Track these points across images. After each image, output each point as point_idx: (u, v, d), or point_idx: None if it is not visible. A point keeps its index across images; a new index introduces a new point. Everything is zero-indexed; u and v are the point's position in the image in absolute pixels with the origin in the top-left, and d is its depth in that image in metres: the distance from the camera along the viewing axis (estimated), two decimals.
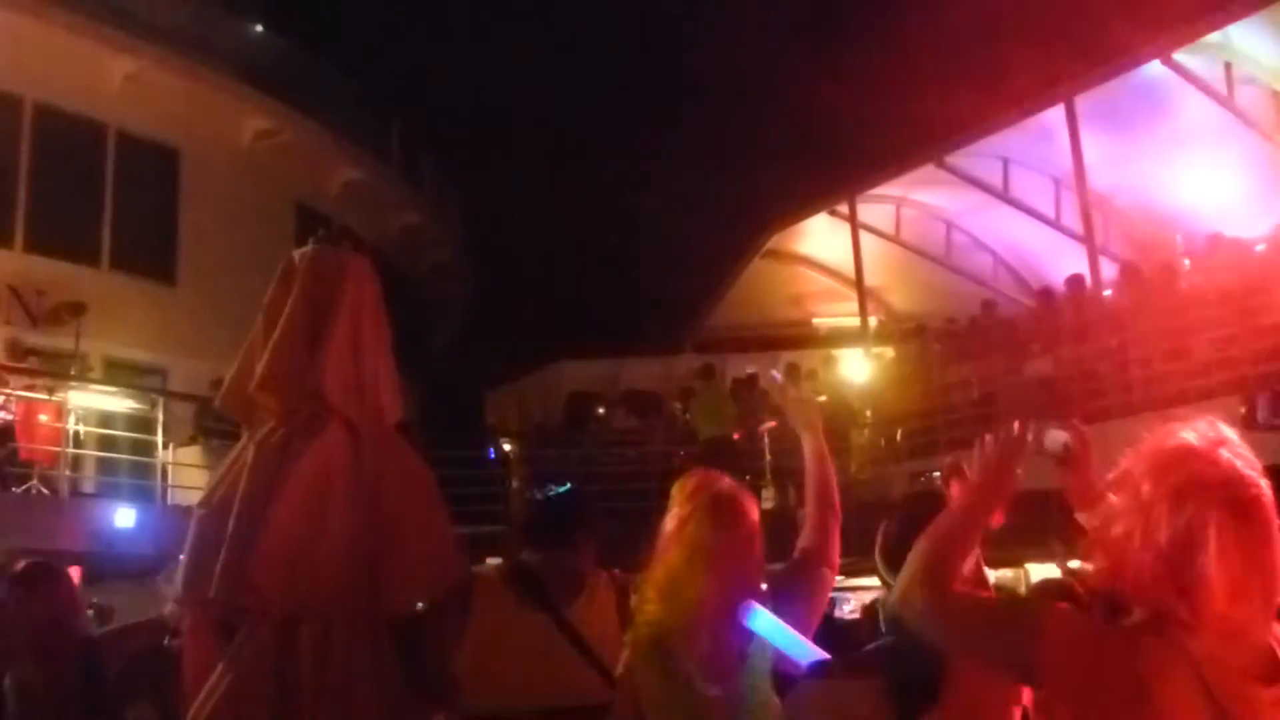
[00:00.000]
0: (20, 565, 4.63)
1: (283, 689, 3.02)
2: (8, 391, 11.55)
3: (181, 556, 3.04)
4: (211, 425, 12.65)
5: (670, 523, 2.70)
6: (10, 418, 11.36)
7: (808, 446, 3.04)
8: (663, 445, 16.03)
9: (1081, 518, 2.15)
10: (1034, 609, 2.12)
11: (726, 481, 2.75)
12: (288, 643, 3.02)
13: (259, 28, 19.11)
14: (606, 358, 20.86)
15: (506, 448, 17.75)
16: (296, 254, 3.34)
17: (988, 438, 2.13)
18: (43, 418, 11.74)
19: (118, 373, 14.73)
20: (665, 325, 22.66)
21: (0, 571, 5.29)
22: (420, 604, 3.40)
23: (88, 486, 13.35)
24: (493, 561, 3.37)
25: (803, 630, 2.61)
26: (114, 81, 15.64)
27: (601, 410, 18.40)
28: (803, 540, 2.95)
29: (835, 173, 17.93)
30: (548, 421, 19.08)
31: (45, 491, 11.54)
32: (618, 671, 2.83)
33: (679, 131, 33.51)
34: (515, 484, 16.13)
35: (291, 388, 3.06)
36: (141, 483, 12.78)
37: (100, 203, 15.61)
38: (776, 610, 2.60)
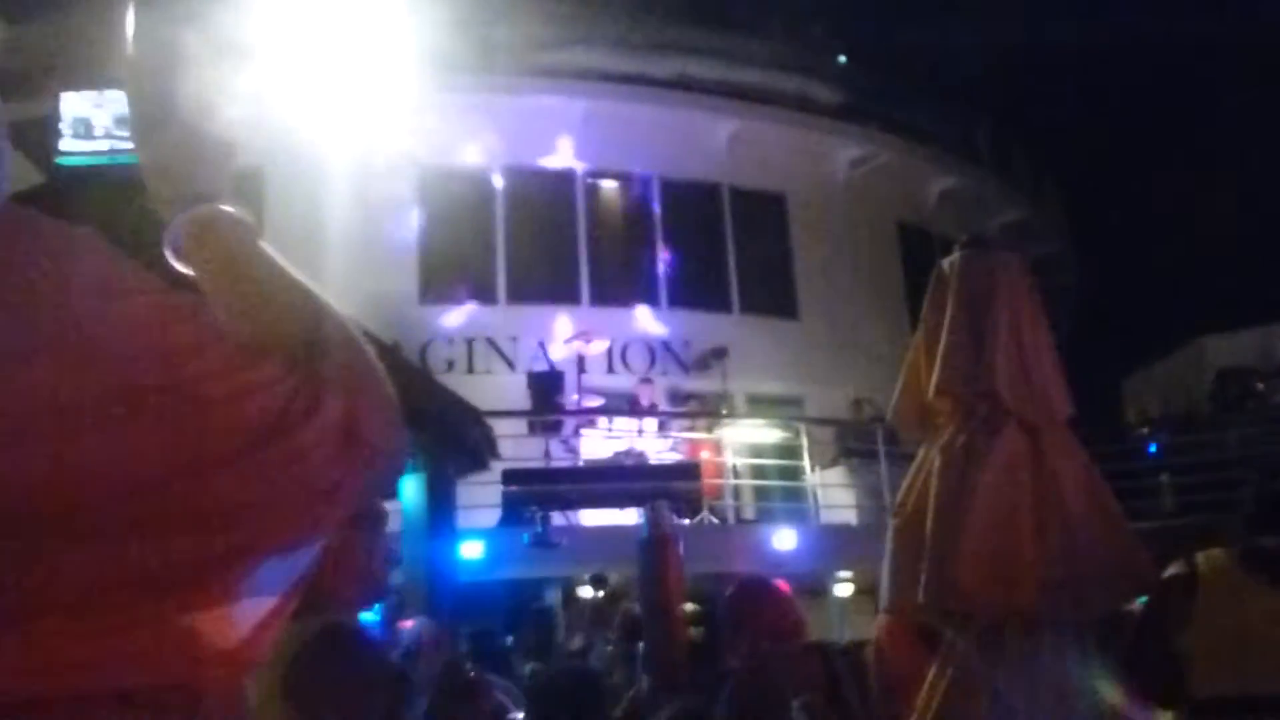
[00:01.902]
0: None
1: (994, 691, 3.02)
2: (675, 434, 12.93)
3: (885, 568, 3.15)
4: (853, 446, 13.17)
5: None
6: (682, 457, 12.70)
7: None
8: None
9: None
10: None
11: None
12: (995, 645, 3.02)
13: (842, 59, 19.82)
14: (1256, 326, 18.63)
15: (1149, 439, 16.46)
16: (945, 262, 3.37)
17: None
18: (704, 454, 12.99)
19: (760, 407, 15.90)
20: None
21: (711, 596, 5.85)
22: (1123, 605, 3.25)
23: (748, 513, 14.52)
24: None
25: None
26: (721, 142, 17.09)
27: (1261, 386, 16.40)
28: None
29: None
30: (1193, 406, 17.44)
31: (715, 520, 12.73)
32: None
33: None
34: (1165, 477, 14.89)
35: (965, 391, 3.07)
36: (794, 505, 13.62)
37: (724, 254, 17.04)
38: None
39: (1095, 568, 3.08)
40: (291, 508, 0.98)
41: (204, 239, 1.09)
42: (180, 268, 1.10)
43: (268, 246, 1.11)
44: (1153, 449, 15.59)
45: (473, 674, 2.93)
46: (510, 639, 9.22)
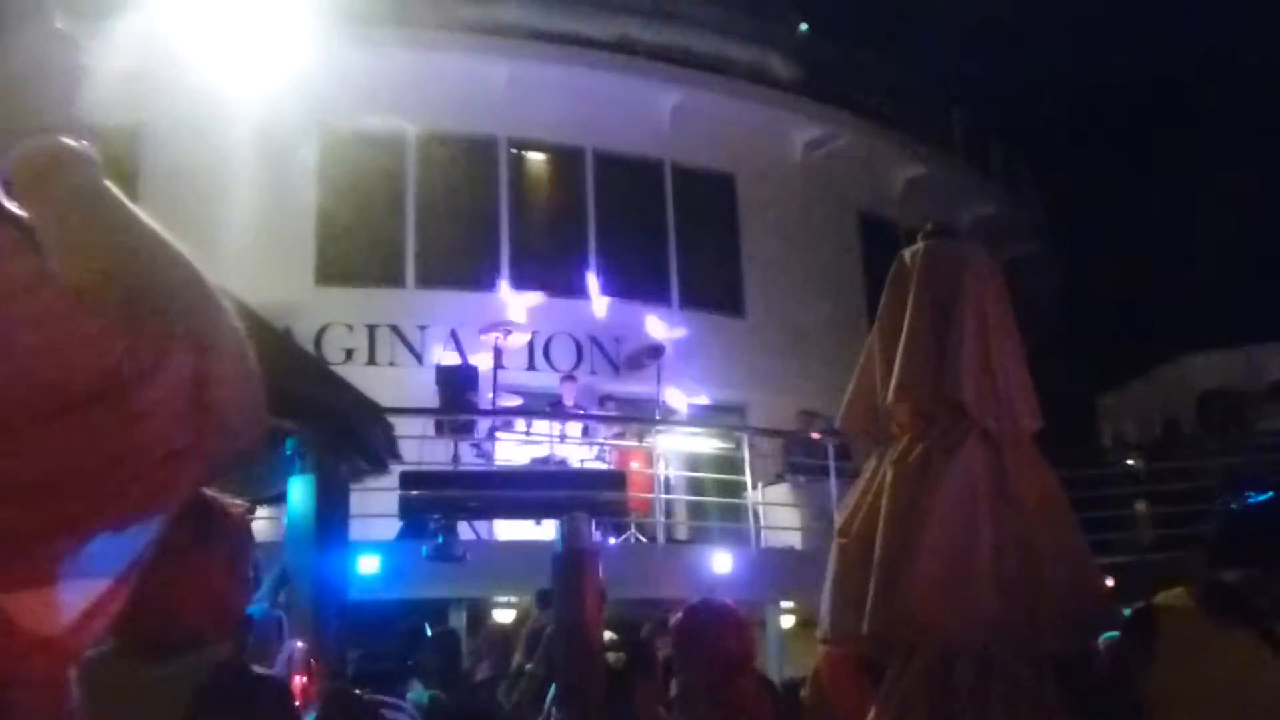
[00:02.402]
0: None
1: None
2: (602, 441, 12.96)
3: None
4: (799, 461, 13.29)
5: None
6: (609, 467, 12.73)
7: None
8: None
9: None
10: None
11: None
12: (944, 680, 3.08)
13: (803, 27, 19.98)
14: (1242, 346, 19.15)
15: (1130, 462, 16.86)
16: (906, 253, 3.42)
17: None
18: (634, 465, 13.03)
19: (698, 414, 15.99)
20: None
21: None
22: (1083, 642, 3.33)
23: (680, 532, 14.60)
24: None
25: None
26: (664, 114, 17.15)
27: (1247, 412, 16.86)
28: None
29: None
30: (1173, 428, 17.88)
31: (642, 539, 12.79)
32: None
33: None
34: (1140, 506, 15.25)
35: (925, 397, 3.12)
36: (733, 525, 13.72)
37: (664, 240, 17.10)
38: None
39: (1056, 601, 3.15)
40: (126, 477, 0.96)
41: (44, 174, 1.08)
42: (6, 203, 1.09)
43: (114, 188, 1.10)
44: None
45: (363, 697, 2.92)
46: (410, 663, 9.18)
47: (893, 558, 3.00)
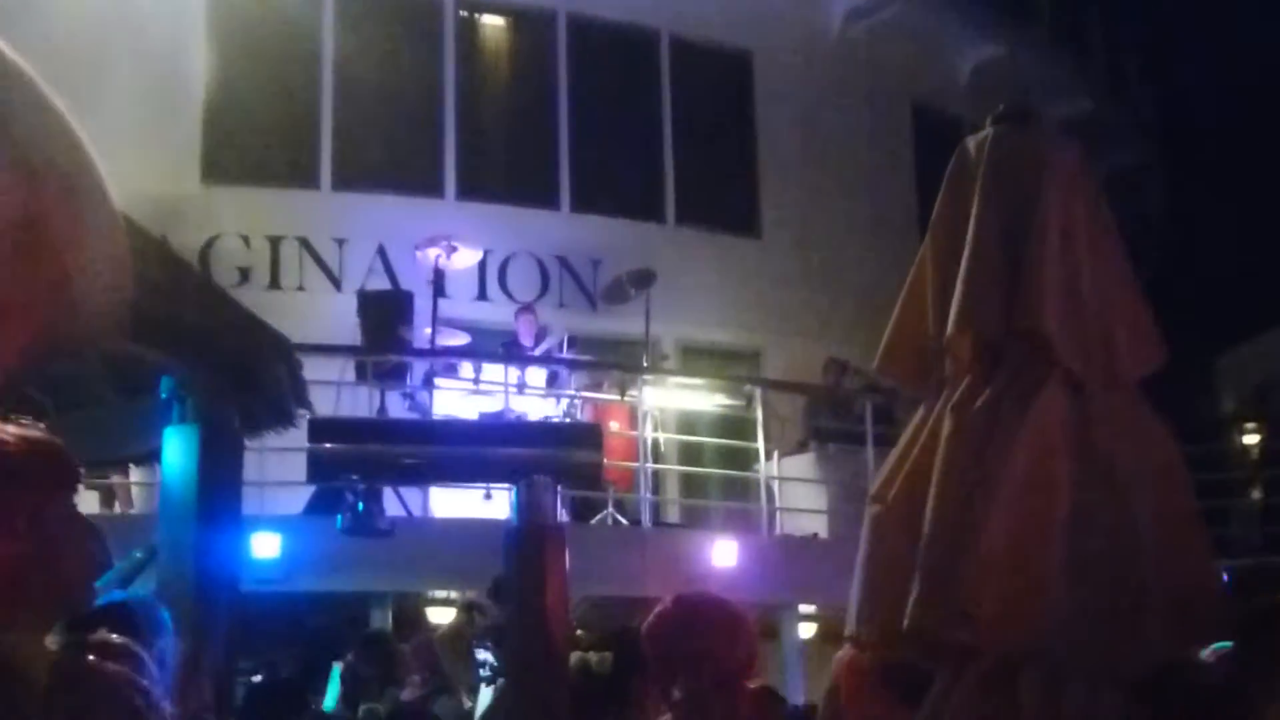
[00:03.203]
0: None
1: None
2: (572, 393, 12.95)
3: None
4: (828, 425, 13.30)
5: None
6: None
7: None
8: None
9: None
10: None
11: None
12: (1005, 695, 3.10)
13: None
14: None
15: (1247, 441, 17.00)
16: (971, 141, 3.41)
17: None
18: (613, 425, 13.03)
19: (698, 361, 16.02)
20: None
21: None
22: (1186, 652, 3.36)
23: (671, 513, 14.63)
24: None
25: None
26: None
27: None
28: None
29: None
30: None
31: (622, 520, 12.82)
32: None
33: None
34: (1257, 494, 15.39)
35: (993, 327, 3.12)
36: (739, 505, 13.75)
37: (658, 136, 17.04)
38: None
39: (1154, 597, 3.15)
40: None
41: None
42: None
43: None
44: None
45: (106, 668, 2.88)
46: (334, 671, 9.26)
47: (945, 534, 3.00)
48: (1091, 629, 3.09)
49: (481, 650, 8.47)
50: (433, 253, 13.37)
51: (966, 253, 3.17)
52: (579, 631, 5.52)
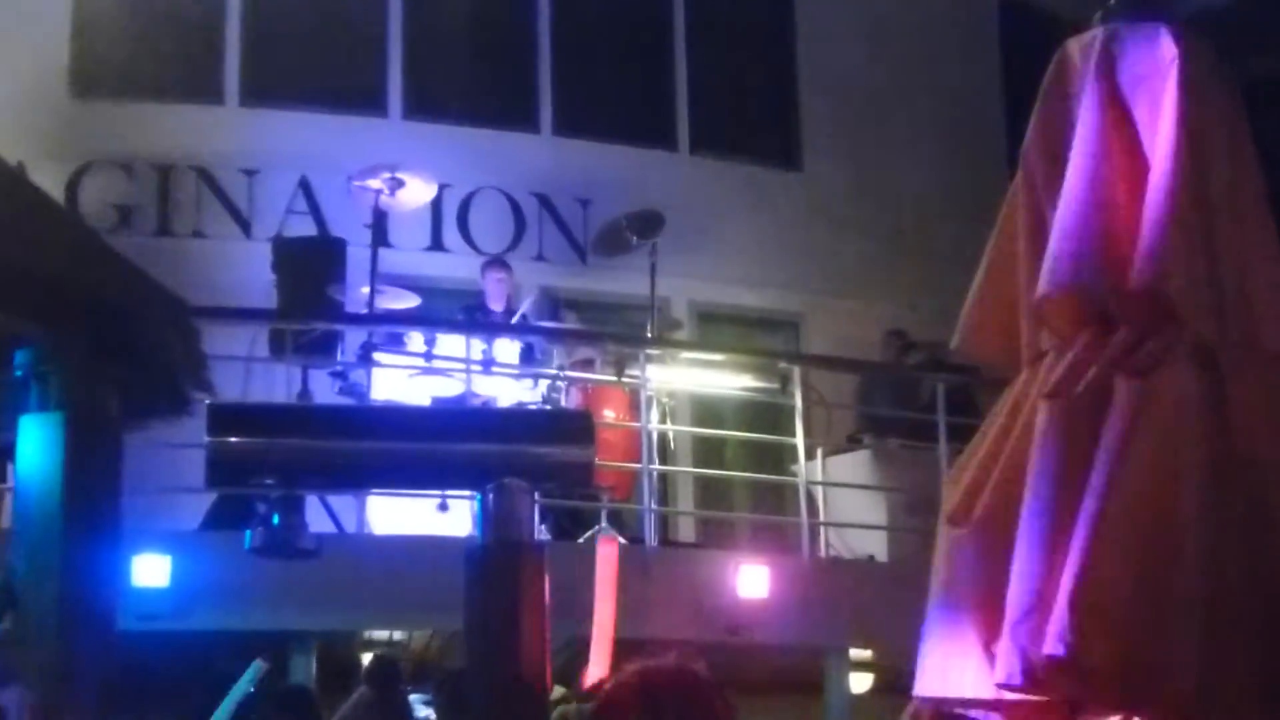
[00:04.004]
0: None
1: None
2: (556, 372, 12.96)
3: None
4: (885, 413, 13.33)
5: None
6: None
7: None
8: None
9: None
10: None
11: None
12: None
13: None
14: None
15: None
16: (1074, 44, 3.41)
17: None
18: (609, 414, 13.03)
19: (719, 330, 16.04)
20: None
21: None
22: None
23: (685, 529, 14.65)
24: None
25: None
26: None
27: None
28: None
29: None
30: None
31: (621, 539, 12.82)
32: None
33: None
34: None
35: (1101, 293, 3.11)
36: (773, 519, 13.78)
37: (668, 38, 17.05)
38: None
39: None
40: None
41: None
42: None
43: None
44: None
45: None
46: None
47: (1045, 564, 2.99)
48: (1236, 681, 3.08)
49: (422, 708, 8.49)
50: (373, 186, 13.32)
51: (1065, 191, 3.16)
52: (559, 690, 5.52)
